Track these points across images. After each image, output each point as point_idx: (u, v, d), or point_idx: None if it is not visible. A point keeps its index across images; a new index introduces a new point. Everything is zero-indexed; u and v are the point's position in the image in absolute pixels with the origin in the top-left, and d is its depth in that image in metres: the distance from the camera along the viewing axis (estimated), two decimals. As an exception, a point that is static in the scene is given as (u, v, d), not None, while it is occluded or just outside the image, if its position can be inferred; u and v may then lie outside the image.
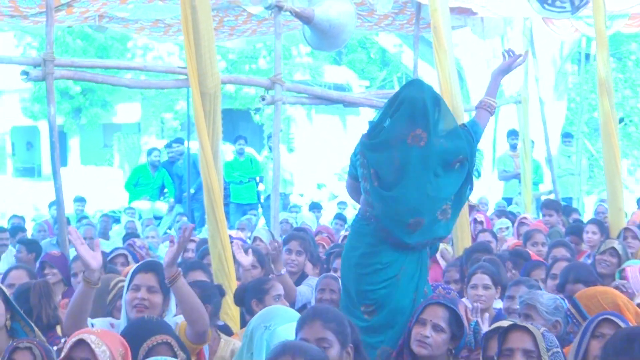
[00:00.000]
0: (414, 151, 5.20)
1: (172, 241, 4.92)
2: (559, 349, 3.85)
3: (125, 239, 10.89)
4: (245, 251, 6.80)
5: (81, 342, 4.02)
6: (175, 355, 4.31)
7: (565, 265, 6.46)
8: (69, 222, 12.06)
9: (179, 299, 4.85)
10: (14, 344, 4.39)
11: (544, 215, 11.23)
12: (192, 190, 14.88)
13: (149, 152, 16.72)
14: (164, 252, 10.57)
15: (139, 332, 4.43)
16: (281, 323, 4.22)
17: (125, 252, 8.28)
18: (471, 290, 6.06)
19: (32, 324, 5.20)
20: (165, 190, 16.06)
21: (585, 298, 5.12)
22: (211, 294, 5.45)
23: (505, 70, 5.96)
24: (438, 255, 8.17)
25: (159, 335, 4.40)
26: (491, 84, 5.87)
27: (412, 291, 5.20)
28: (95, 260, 4.84)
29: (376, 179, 5.31)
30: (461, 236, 8.74)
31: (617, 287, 5.84)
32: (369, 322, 5.15)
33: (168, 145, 16.83)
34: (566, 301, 5.40)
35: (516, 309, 5.59)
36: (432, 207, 5.22)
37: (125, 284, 5.21)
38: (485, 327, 4.91)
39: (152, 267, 5.23)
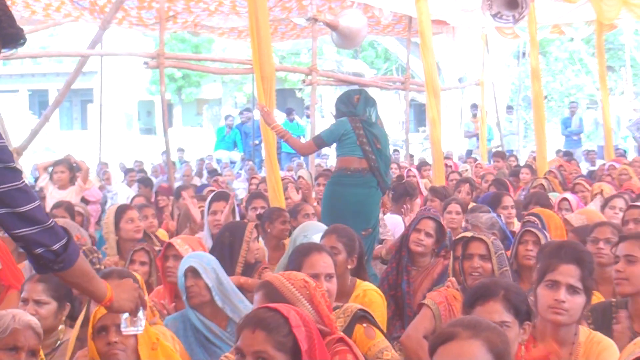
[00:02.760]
0: (383, 130, 5.57)
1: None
2: (502, 251, 3.80)
3: (211, 175, 10.90)
4: (297, 191, 6.82)
5: (170, 245, 3.99)
6: None
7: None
8: (174, 165, 12.15)
9: None
10: (135, 248, 4.41)
11: (494, 162, 11.16)
12: (256, 142, 14.82)
13: (225, 118, 16.69)
14: (237, 186, 10.63)
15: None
16: (314, 233, 4.20)
17: (213, 188, 8.17)
18: (447, 215, 5.98)
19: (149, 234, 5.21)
20: (235, 148, 16.03)
21: (546, 216, 5.13)
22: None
23: None
24: (422, 187, 8.08)
25: None
26: None
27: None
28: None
29: (376, 144, 5.30)
30: (438, 175, 8.65)
31: None
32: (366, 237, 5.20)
33: (241, 113, 16.80)
34: (501, 218, 5.37)
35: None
36: (389, 163, 5.78)
37: (205, 208, 5.18)
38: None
39: (223, 196, 5.21)
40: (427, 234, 4.55)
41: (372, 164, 5.43)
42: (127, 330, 2.50)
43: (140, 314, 2.48)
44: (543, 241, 4.23)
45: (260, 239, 5.28)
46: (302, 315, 2.22)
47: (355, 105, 5.50)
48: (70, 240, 2.20)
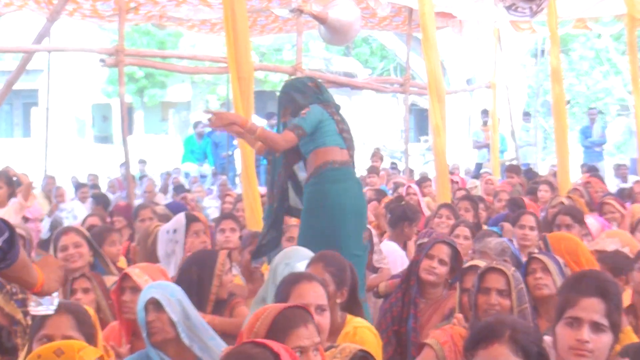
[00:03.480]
0: None
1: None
2: (522, 285, 3.80)
3: (178, 192, 10.88)
4: None
5: (127, 276, 3.96)
6: None
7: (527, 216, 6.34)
8: (136, 180, 12.12)
9: None
10: (74, 276, 4.38)
11: (507, 177, 11.18)
12: (229, 153, 14.82)
13: (195, 125, 16.65)
14: (208, 204, 10.63)
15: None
16: (298, 260, 4.16)
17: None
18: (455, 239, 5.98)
19: (107, 259, 5.20)
20: (206, 160, 16.01)
21: (553, 238, 5.16)
22: None
23: None
24: (424, 206, 8.10)
25: None
26: None
27: None
28: None
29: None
30: (442, 192, 8.67)
31: None
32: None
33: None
34: (513, 242, 5.39)
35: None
36: None
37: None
38: None
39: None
40: (441, 262, 4.56)
41: (352, 155, 5.21)
42: (36, 310, 2.59)
43: (55, 293, 2.71)
44: (552, 266, 4.25)
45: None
46: (292, 354, 2.22)
47: (318, 92, 5.26)
48: (14, 233, 2.37)
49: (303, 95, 5.22)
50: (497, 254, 4.99)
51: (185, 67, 11.20)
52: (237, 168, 14.82)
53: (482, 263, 4.05)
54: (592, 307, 2.82)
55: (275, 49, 28.53)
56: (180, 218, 5.24)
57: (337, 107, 5.29)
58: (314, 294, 3.25)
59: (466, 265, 4.22)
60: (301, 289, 3.24)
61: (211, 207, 10.42)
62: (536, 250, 5.24)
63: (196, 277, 4.24)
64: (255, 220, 6.38)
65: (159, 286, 3.58)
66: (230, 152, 14.72)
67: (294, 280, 3.31)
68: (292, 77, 10.20)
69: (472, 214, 7.29)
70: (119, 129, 8.94)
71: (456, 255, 4.63)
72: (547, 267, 4.28)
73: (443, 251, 4.59)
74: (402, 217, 6.35)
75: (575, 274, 3.57)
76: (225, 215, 6.25)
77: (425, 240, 5.20)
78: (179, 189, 11.52)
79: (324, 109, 5.13)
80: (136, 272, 3.95)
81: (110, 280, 4.64)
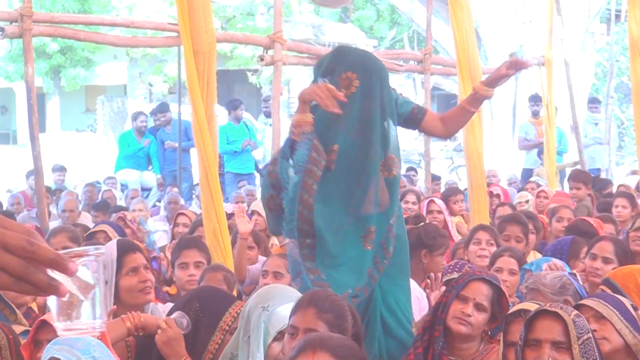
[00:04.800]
0: None
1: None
2: (589, 334, 3.84)
3: (111, 211, 10.90)
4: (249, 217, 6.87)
5: (45, 324, 4.00)
6: None
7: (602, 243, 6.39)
8: (51, 194, 12.11)
9: None
10: None
11: (571, 189, 11.12)
12: (172, 144, 14.90)
13: (135, 117, 16.62)
14: (154, 227, 10.65)
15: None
16: (280, 303, 4.19)
17: (106, 227, 8.15)
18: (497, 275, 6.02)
19: (13, 306, 5.22)
20: (150, 166, 16.01)
21: (622, 277, 5.15)
22: (231, 284, 5.43)
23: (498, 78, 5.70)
24: (453, 229, 8.16)
25: None
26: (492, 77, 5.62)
27: None
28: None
29: None
30: (478, 209, 8.75)
31: None
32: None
33: (153, 113, 16.76)
34: (576, 277, 5.43)
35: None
36: None
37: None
38: None
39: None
40: (478, 306, 4.59)
41: None
42: None
43: None
44: (609, 312, 4.30)
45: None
46: None
47: None
48: None
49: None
50: (555, 293, 5.04)
51: (119, 37, 11.22)
52: (193, 177, 14.85)
53: (534, 306, 4.09)
54: None
55: (245, 13, 28.61)
56: (110, 249, 5.21)
57: None
58: None
59: (512, 310, 4.26)
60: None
61: (158, 232, 10.44)
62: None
63: (194, 320, 4.30)
64: (221, 249, 6.42)
65: (65, 342, 3.59)
66: (171, 143, 14.76)
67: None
68: (269, 50, 10.25)
69: (523, 244, 7.32)
70: (24, 124, 8.96)
71: (499, 298, 4.64)
72: (601, 314, 4.33)
73: (481, 291, 4.60)
74: (417, 245, 6.39)
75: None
76: (187, 243, 6.29)
77: (455, 275, 5.24)
78: (112, 207, 11.53)
79: None
80: None
81: (18, 330, 4.66)
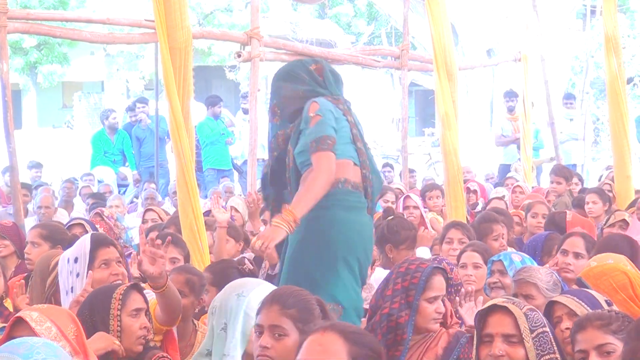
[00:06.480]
0: None
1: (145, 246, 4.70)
2: (545, 328, 3.84)
3: (91, 207, 10.88)
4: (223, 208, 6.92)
5: (21, 321, 3.92)
6: None
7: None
8: (29, 191, 12.06)
9: (162, 301, 4.72)
10: None
11: (552, 182, 11.05)
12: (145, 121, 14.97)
13: (105, 116, 16.46)
14: (130, 223, 10.64)
15: None
16: (253, 288, 4.24)
17: (83, 222, 8.11)
18: (460, 270, 6.04)
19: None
20: (126, 163, 15.97)
21: (594, 277, 5.06)
22: (196, 287, 5.40)
23: None
24: (428, 224, 8.19)
25: None
26: None
27: None
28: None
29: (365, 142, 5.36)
30: (455, 205, 8.76)
31: None
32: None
33: (130, 109, 16.70)
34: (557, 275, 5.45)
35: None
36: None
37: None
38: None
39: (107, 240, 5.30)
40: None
41: (366, 175, 5.22)
42: None
43: None
44: (583, 310, 4.29)
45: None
46: None
47: (321, 81, 5.30)
48: None
49: (303, 83, 5.26)
50: (550, 289, 5.06)
51: (95, 34, 11.18)
52: (170, 173, 14.83)
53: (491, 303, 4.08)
54: None
55: (223, 9, 28.57)
56: (83, 242, 5.19)
57: (349, 104, 5.32)
58: None
59: (486, 305, 4.27)
60: None
61: (135, 227, 10.42)
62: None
63: (90, 323, 4.29)
64: (197, 247, 6.42)
65: (5, 349, 3.39)
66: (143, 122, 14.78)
67: None
68: (246, 46, 10.24)
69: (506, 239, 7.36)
70: (0, 120, 8.91)
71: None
72: (575, 312, 4.31)
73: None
74: (382, 240, 6.53)
75: None
76: (162, 239, 6.27)
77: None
78: (91, 200, 11.51)
79: (335, 106, 5.16)
80: (34, 316, 3.96)
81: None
